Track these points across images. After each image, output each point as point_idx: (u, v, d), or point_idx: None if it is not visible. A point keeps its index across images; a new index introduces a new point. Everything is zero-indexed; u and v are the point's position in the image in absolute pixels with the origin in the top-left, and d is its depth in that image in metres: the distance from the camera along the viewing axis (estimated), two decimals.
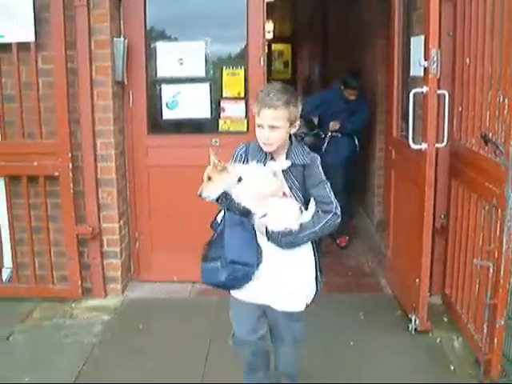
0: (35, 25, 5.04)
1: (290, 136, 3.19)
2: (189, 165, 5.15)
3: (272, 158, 3.16)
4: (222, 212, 3.23)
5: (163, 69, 5.57)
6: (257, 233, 3.18)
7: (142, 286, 5.75)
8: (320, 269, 3.35)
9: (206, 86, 5.56)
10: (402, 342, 4.61)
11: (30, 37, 5.03)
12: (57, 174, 5.16)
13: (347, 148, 6.98)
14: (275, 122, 3.01)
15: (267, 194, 3.04)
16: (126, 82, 5.44)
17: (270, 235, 3.14)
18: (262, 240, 3.19)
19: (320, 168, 3.19)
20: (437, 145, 4.46)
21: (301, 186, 3.16)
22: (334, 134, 6.89)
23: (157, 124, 5.69)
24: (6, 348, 4.68)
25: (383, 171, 6.79)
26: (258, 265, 3.13)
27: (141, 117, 5.60)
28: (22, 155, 5.18)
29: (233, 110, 5.57)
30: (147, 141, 5.63)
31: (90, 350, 4.58)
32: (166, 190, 5.53)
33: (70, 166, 5.11)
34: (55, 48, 5.01)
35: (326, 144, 6.88)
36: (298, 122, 3.13)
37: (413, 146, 4.53)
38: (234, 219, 3.12)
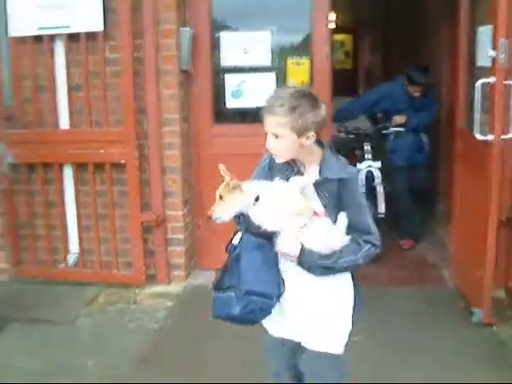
0: (104, 14, 5.13)
1: (322, 145, 2.77)
2: (253, 153, 5.11)
3: (299, 172, 2.76)
4: (240, 234, 2.78)
5: (228, 58, 5.60)
6: (280, 259, 2.76)
7: (205, 274, 5.76)
8: (359, 300, 2.90)
9: (270, 76, 5.56)
10: (464, 335, 4.55)
11: (98, 26, 5.14)
12: (123, 161, 5.25)
13: (414, 146, 6.56)
14: (277, 130, 2.65)
15: (291, 214, 2.63)
16: (191, 71, 5.49)
17: (304, 256, 2.66)
18: (290, 265, 2.74)
19: (359, 186, 2.83)
20: (503, 136, 4.40)
21: (337, 205, 2.70)
22: (398, 128, 6.46)
23: (221, 113, 5.74)
24: (72, 331, 4.79)
25: (447, 162, 6.71)
26: (278, 296, 2.71)
27: (205, 105, 5.65)
28: (89, 143, 5.29)
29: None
30: (212, 129, 5.68)
31: (153, 336, 4.66)
32: None
33: (136, 153, 5.20)
34: (122, 38, 5.10)
35: (391, 141, 6.52)
36: (312, 134, 2.63)
37: (478, 137, 4.47)
38: (252, 242, 2.72)
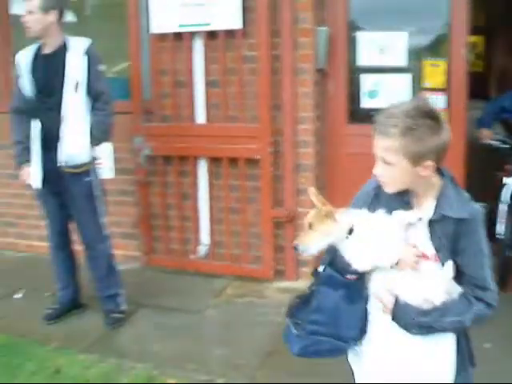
0: (243, 13, 5.23)
1: (443, 174, 2.29)
2: None
3: (408, 205, 2.30)
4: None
5: (363, 58, 5.56)
6: (369, 298, 2.35)
7: None
8: (467, 363, 2.38)
9: (406, 76, 5.47)
10: None
11: (237, 24, 5.25)
12: (257, 157, 5.34)
13: None
14: (386, 155, 2.17)
15: (388, 255, 2.22)
16: (327, 70, 5.51)
17: (399, 310, 2.23)
18: (379, 310, 2.32)
19: (482, 230, 2.24)
20: None
21: (452, 248, 2.21)
22: None
23: (355, 112, 5.69)
24: (202, 321, 4.93)
25: None
26: (357, 339, 2.36)
27: (340, 105, 5.64)
28: (224, 138, 5.42)
29: (433, 102, 5.41)
30: (345, 128, 5.66)
31: (280, 330, 4.68)
32: (361, 178, 5.51)
33: (271, 150, 5.28)
34: (260, 36, 5.19)
35: None
36: (430, 163, 2.16)
37: None
38: (336, 279, 2.30)
